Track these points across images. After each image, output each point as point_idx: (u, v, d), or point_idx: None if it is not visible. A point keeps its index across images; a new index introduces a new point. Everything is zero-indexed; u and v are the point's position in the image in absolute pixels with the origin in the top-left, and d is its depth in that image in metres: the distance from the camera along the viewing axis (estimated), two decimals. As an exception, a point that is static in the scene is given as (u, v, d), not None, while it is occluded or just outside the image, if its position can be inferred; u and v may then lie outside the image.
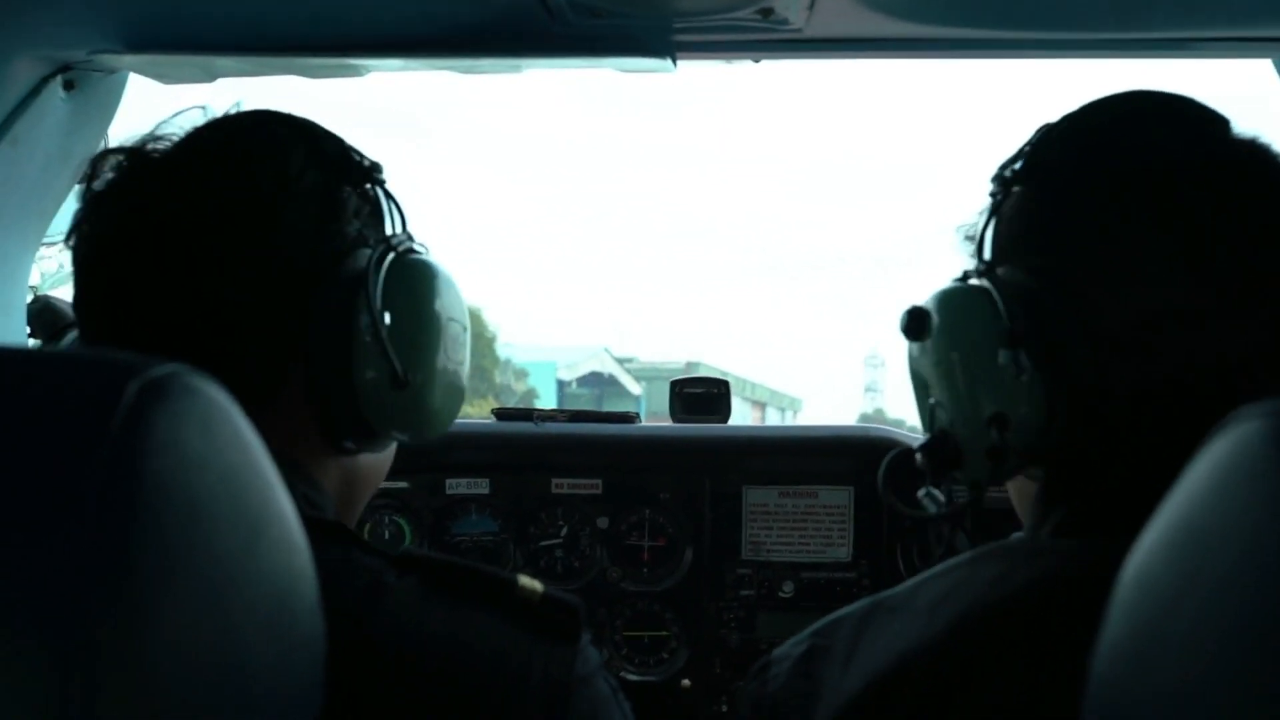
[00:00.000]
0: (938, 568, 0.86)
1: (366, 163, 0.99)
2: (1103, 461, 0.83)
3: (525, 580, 0.88)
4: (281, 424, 0.91)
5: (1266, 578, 0.45)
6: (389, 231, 0.99)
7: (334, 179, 0.96)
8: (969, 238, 0.94)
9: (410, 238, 0.99)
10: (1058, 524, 0.86)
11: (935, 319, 0.91)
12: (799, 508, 1.88)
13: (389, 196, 0.99)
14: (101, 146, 1.54)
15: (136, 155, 0.95)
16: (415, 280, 0.96)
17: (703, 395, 2.00)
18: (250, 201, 0.91)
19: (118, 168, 0.95)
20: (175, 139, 0.96)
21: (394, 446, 1.06)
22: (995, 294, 0.86)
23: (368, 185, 0.98)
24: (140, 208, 0.92)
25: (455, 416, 1.02)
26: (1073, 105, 0.93)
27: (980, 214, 0.93)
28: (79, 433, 0.54)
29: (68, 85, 1.41)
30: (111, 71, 1.44)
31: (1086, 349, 0.83)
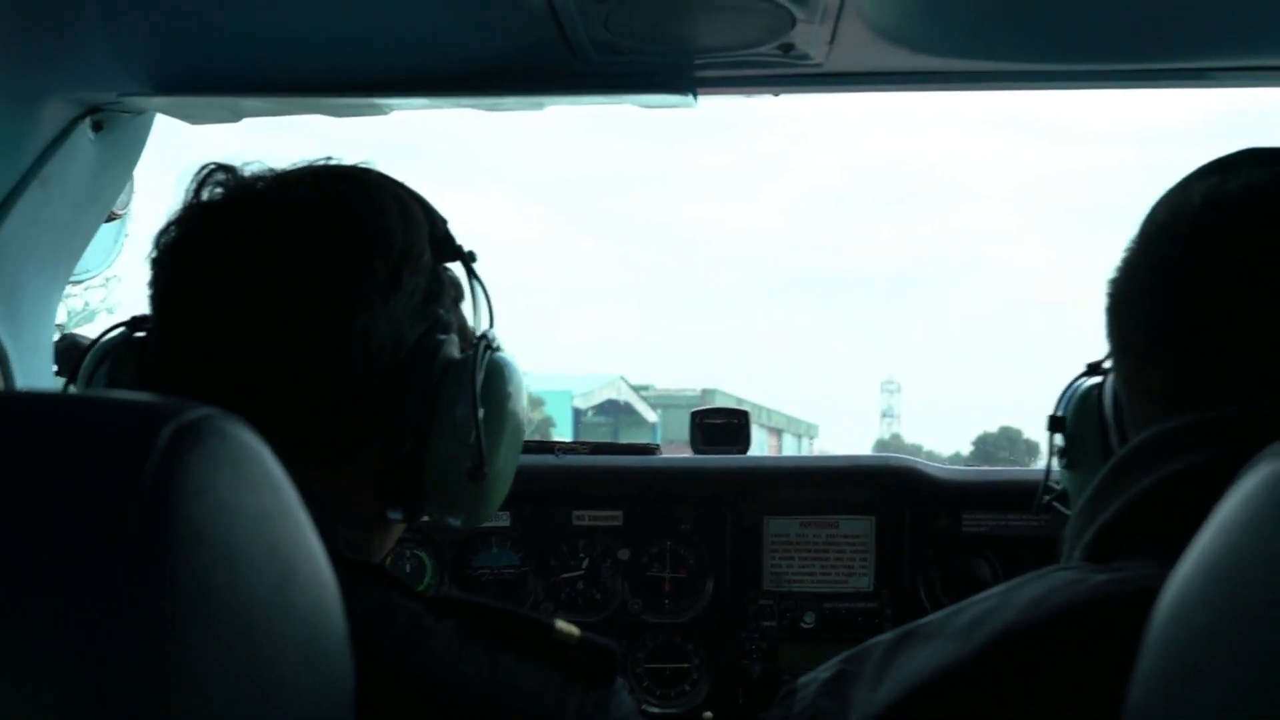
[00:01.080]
0: (971, 598, 0.86)
1: (466, 250, 1.03)
2: (1126, 482, 0.84)
3: (562, 624, 0.89)
4: (348, 484, 0.94)
5: None
6: (470, 319, 1.04)
7: (438, 259, 1.00)
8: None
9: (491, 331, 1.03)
10: (1087, 545, 0.86)
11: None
12: (820, 538, 1.87)
13: (484, 288, 1.04)
14: (129, 186, 1.56)
15: (241, 187, 0.95)
16: (508, 380, 1.00)
17: (723, 426, 2.00)
18: (373, 269, 0.93)
19: (218, 196, 0.95)
20: (270, 175, 0.96)
21: None
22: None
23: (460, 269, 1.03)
24: (242, 256, 0.92)
25: (497, 507, 1.05)
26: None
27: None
28: (115, 477, 0.54)
29: (96, 126, 1.43)
30: (140, 113, 1.45)
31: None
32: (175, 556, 0.53)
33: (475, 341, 0.99)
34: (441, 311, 0.99)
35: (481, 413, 0.95)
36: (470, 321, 1.05)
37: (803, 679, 0.89)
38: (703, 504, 1.90)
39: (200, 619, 0.54)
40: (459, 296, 1.04)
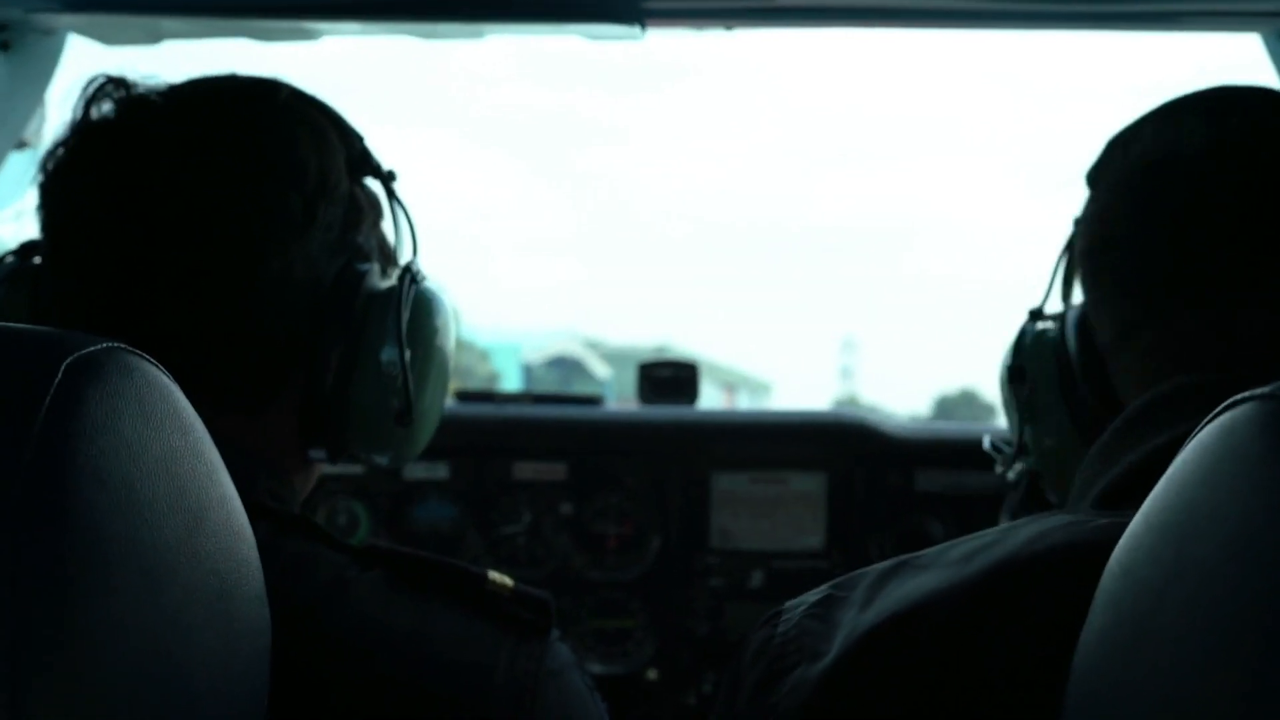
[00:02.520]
0: (968, 535, 0.87)
1: (385, 169, 0.99)
2: (1146, 436, 0.85)
3: (495, 575, 0.88)
4: (269, 428, 0.93)
5: (1253, 568, 0.45)
6: (394, 244, 1.01)
7: (356, 179, 0.97)
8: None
9: (416, 261, 1.00)
10: (1097, 496, 0.87)
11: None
12: (770, 494, 1.88)
13: (405, 212, 1.00)
14: (40, 112, 1.51)
15: (134, 105, 0.91)
16: (434, 313, 0.98)
17: (670, 378, 2.00)
18: (287, 207, 0.90)
19: (110, 113, 0.91)
20: (168, 91, 0.92)
21: None
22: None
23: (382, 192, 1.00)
24: (135, 182, 0.88)
25: (426, 444, 1.04)
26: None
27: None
28: (6, 414, 0.52)
29: (2, 45, 1.38)
30: (50, 32, 1.40)
31: (1087, 371, 0.97)
32: (72, 500, 0.52)
33: (400, 274, 0.96)
34: (360, 239, 0.97)
35: (408, 352, 0.93)
36: (392, 242, 1.03)
37: (789, 602, 0.89)
38: (649, 458, 1.90)
39: (100, 568, 0.53)
40: (379, 217, 1.01)
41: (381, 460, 1.00)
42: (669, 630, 1.89)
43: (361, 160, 0.98)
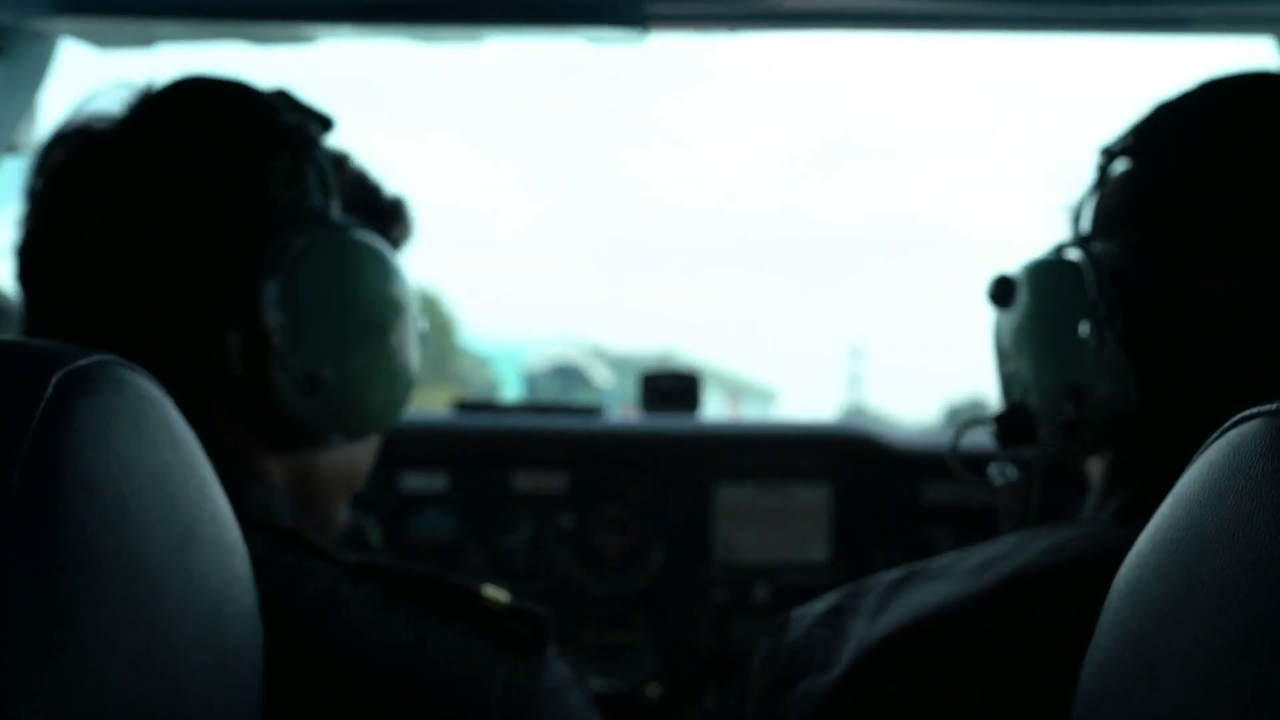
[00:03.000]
0: (980, 545, 0.85)
1: (289, 124, 0.93)
2: (1175, 447, 0.83)
3: (490, 590, 0.88)
4: (219, 422, 0.89)
5: (1262, 587, 0.45)
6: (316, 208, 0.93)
7: (258, 150, 0.92)
8: (1072, 211, 0.95)
9: (329, 214, 0.93)
10: (1118, 509, 0.86)
11: (1023, 288, 0.92)
12: (774, 506, 1.88)
13: (315, 166, 0.93)
14: (33, 116, 1.52)
15: (77, 138, 0.92)
16: (327, 267, 0.90)
17: (672, 388, 2.00)
18: (169, 180, 0.89)
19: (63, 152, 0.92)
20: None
21: (369, 441, 1.04)
22: (1086, 265, 0.86)
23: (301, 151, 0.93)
24: (71, 198, 0.90)
25: (399, 409, 0.99)
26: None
27: (1084, 187, 0.93)
28: None
29: (-5, 51, 1.38)
30: (43, 36, 1.41)
31: (1174, 327, 0.83)
32: (63, 515, 0.52)
33: (303, 228, 0.90)
34: (275, 205, 0.92)
35: (299, 311, 0.88)
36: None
37: (798, 610, 0.89)
38: (651, 469, 1.90)
39: (91, 583, 0.53)
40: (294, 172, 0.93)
41: (337, 437, 0.95)
42: (671, 645, 1.88)
43: (268, 121, 0.93)
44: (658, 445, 1.93)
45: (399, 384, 0.97)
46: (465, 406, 1.99)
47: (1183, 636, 0.49)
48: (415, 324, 0.98)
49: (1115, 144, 0.91)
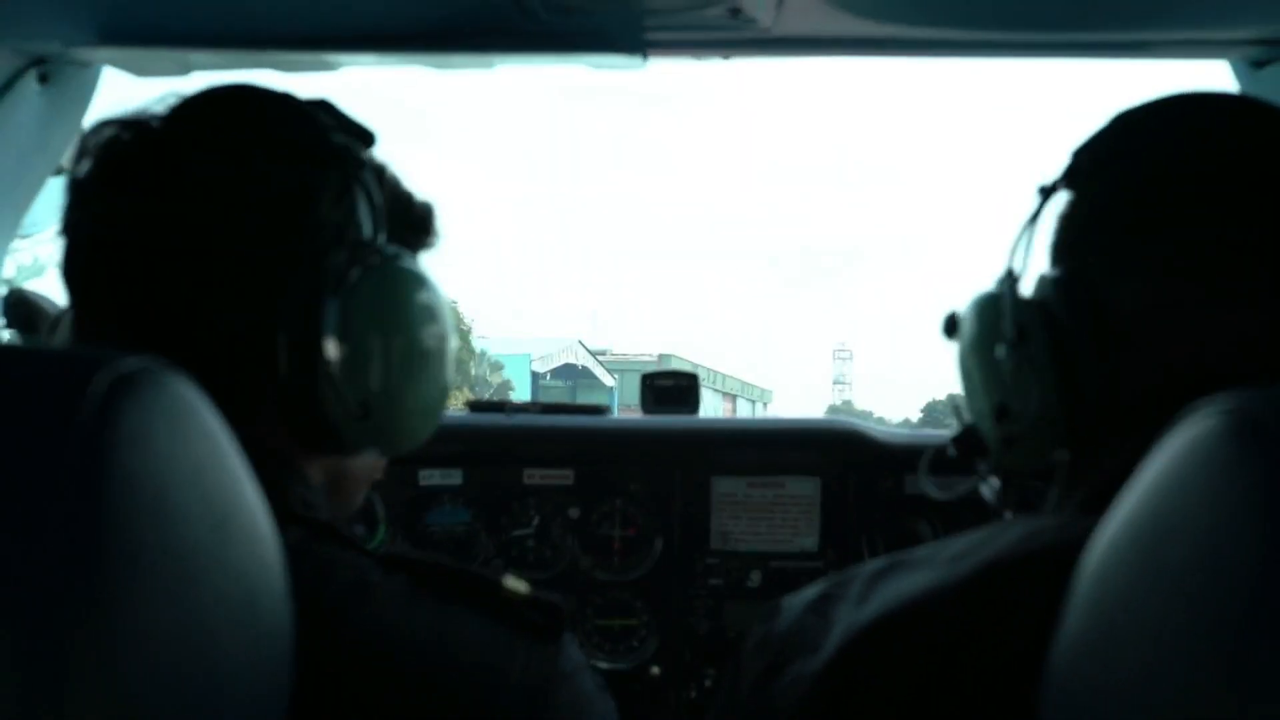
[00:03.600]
0: (961, 534, 0.86)
1: (339, 143, 0.89)
2: (1114, 447, 0.83)
3: (510, 581, 0.88)
4: (265, 426, 0.87)
5: (1220, 573, 0.45)
6: (365, 234, 0.90)
7: (310, 165, 0.88)
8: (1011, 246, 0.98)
9: (380, 241, 0.89)
10: (1084, 500, 0.86)
11: (963, 321, 0.96)
12: (767, 498, 1.88)
13: (362, 187, 0.89)
14: (77, 140, 1.52)
15: (117, 141, 0.88)
16: (383, 295, 0.87)
17: (672, 388, 2.00)
18: (212, 194, 0.85)
19: (105, 149, 0.88)
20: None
21: None
22: (1005, 295, 0.90)
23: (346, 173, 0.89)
24: (112, 204, 0.87)
25: (432, 428, 0.96)
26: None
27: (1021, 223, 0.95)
28: (48, 426, 0.53)
29: (42, 79, 1.39)
30: (86, 65, 1.42)
31: (1093, 341, 0.84)
32: (108, 507, 0.53)
33: (358, 254, 0.87)
34: (324, 224, 0.88)
35: (351, 340, 0.85)
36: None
37: (787, 598, 0.89)
38: (652, 464, 1.90)
39: (133, 571, 0.53)
40: (343, 192, 0.90)
41: (373, 455, 0.95)
42: (671, 628, 1.89)
43: (316, 141, 0.89)
44: (658, 442, 1.93)
45: (438, 404, 0.96)
46: (477, 406, 2.00)
47: (1149, 617, 0.49)
48: (453, 345, 0.96)
49: (1049, 184, 0.93)
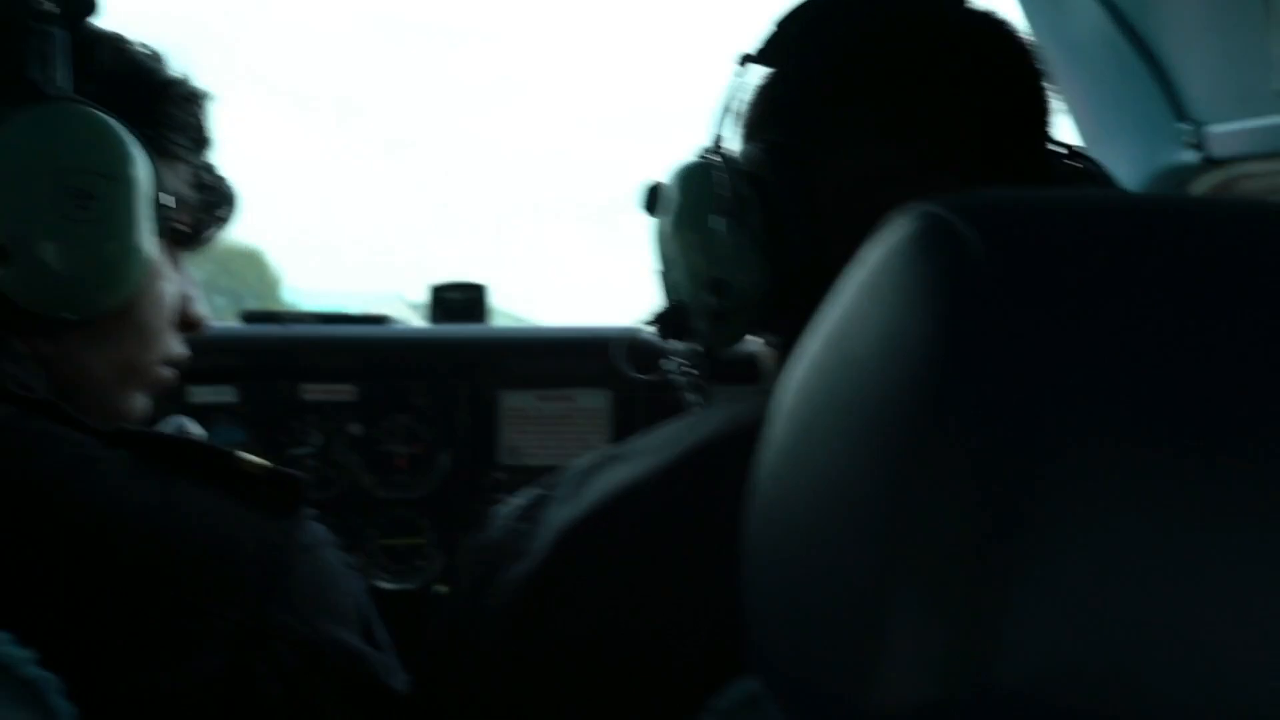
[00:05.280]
0: (669, 422, 0.86)
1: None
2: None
3: (248, 456, 0.85)
4: None
5: (898, 352, 0.47)
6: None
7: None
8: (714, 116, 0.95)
9: (44, 86, 0.84)
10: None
11: (669, 193, 0.92)
12: (556, 411, 1.89)
13: (44, 38, 0.84)
14: None
15: None
16: (17, 136, 0.83)
17: (461, 300, 1.98)
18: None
19: None
20: None
21: (137, 330, 0.95)
22: (718, 165, 0.87)
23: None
24: None
25: (123, 289, 0.89)
26: None
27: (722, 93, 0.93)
28: None
29: None
30: None
31: (803, 216, 0.84)
32: None
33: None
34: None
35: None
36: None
37: (500, 506, 0.88)
38: (438, 378, 1.88)
39: None
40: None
41: (66, 315, 0.87)
42: (458, 546, 1.87)
43: None
44: (443, 352, 1.91)
45: (114, 259, 0.88)
46: (251, 317, 1.93)
47: (836, 411, 0.50)
48: (143, 200, 0.88)
49: (751, 53, 0.91)
